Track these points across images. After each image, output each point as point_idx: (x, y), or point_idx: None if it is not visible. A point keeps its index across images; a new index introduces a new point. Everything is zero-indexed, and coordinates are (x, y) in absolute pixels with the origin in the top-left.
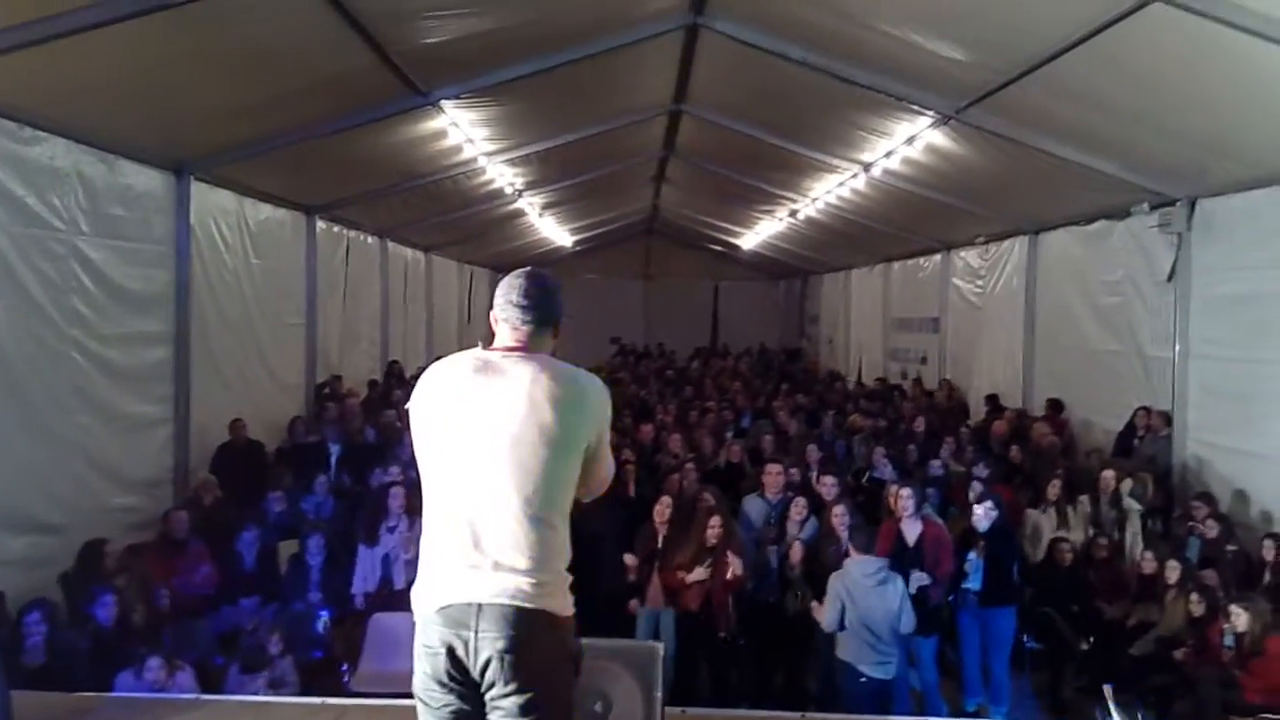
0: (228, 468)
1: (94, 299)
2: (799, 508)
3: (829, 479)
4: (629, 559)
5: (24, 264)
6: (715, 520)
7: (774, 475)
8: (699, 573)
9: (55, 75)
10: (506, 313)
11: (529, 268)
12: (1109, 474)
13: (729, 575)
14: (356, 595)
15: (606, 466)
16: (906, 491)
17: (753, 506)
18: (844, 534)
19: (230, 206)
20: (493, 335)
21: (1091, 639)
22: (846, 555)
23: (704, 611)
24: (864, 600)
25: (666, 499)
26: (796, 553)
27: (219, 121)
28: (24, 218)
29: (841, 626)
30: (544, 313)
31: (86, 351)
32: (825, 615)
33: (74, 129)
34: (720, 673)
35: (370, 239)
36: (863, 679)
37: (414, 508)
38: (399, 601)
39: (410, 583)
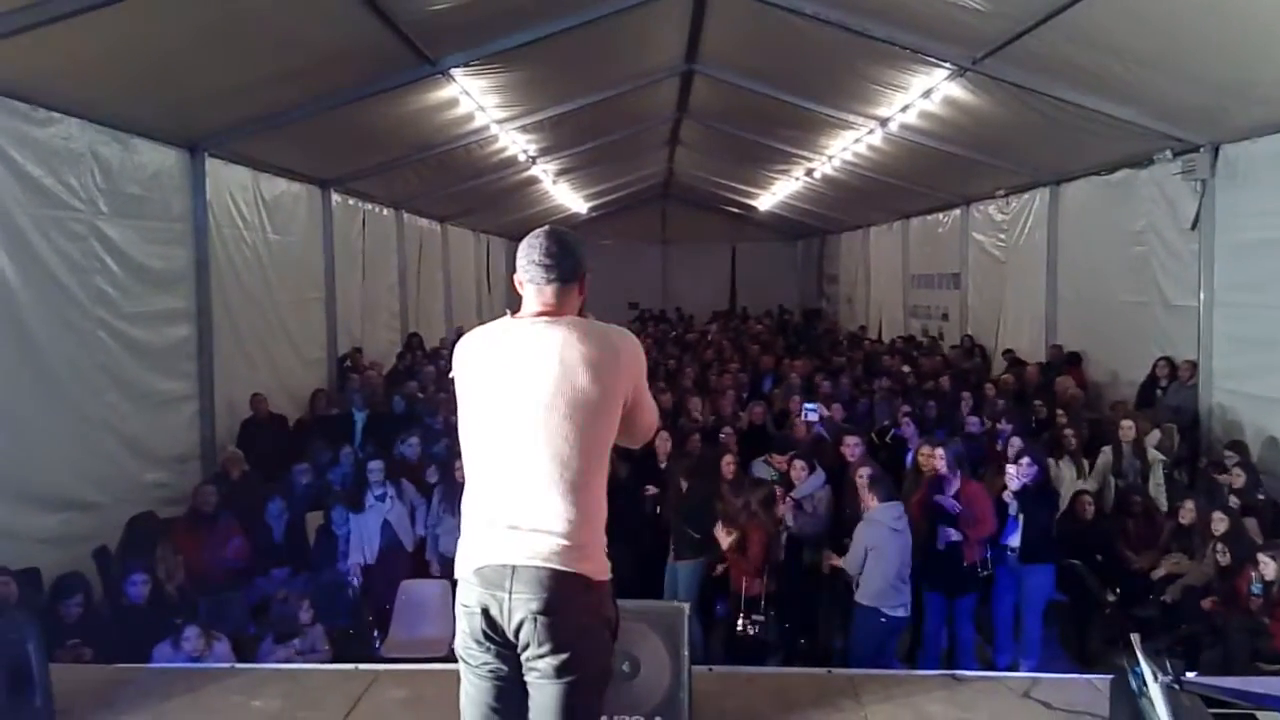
0: (253, 442)
1: (116, 278)
2: (797, 469)
3: (851, 439)
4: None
5: (46, 245)
6: (760, 492)
7: (779, 462)
8: (724, 537)
9: (66, 55)
10: (530, 272)
11: (548, 226)
12: (1128, 424)
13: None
14: (353, 565)
15: (649, 413)
16: (941, 451)
17: (759, 472)
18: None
19: (246, 182)
20: (519, 301)
21: (1118, 590)
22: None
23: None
24: (888, 544)
25: (689, 461)
26: (788, 508)
27: (232, 97)
28: (43, 199)
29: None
30: (567, 269)
31: (112, 330)
32: (849, 561)
33: (87, 109)
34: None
35: (386, 211)
36: (883, 619)
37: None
38: (420, 567)
39: (423, 541)
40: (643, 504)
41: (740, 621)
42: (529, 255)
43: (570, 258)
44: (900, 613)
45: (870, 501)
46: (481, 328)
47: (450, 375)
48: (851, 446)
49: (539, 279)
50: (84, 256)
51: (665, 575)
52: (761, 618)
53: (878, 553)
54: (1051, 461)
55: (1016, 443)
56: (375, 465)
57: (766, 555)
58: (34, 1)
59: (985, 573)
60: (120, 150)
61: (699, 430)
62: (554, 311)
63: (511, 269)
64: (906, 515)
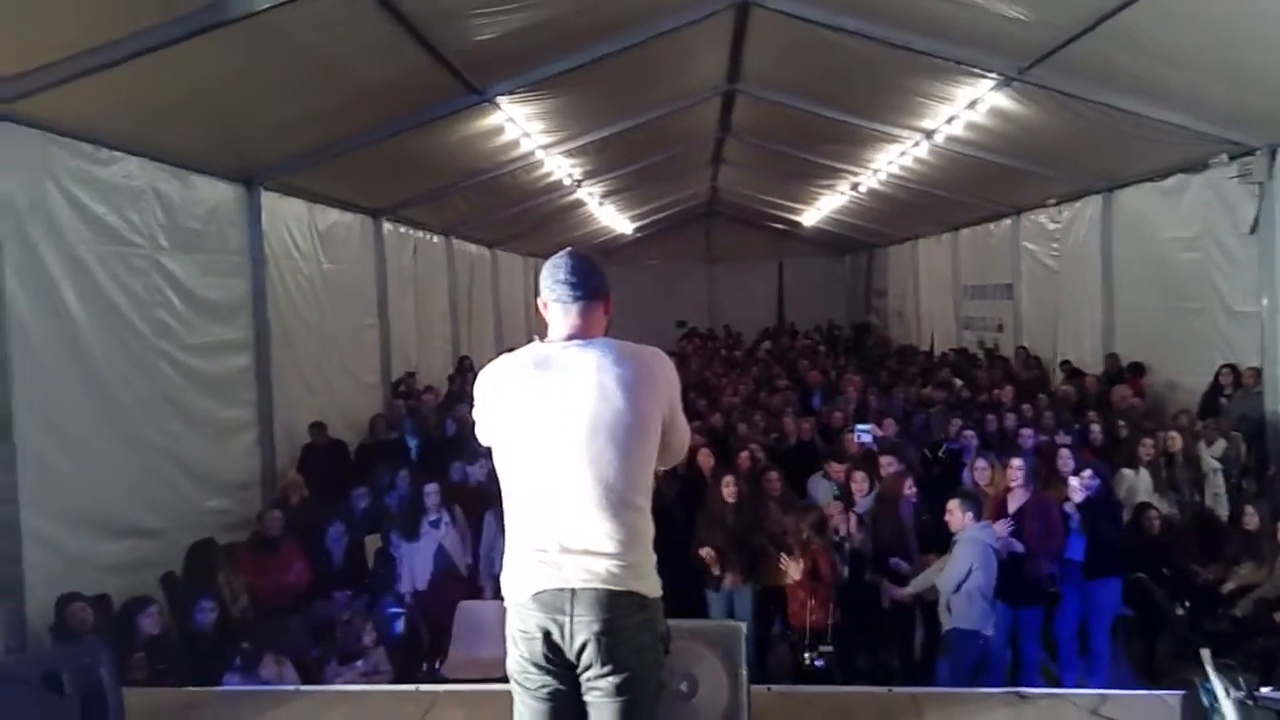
0: (313, 467)
1: (177, 311)
2: (859, 482)
3: (887, 458)
4: (706, 553)
5: (110, 280)
6: (810, 517)
7: (836, 472)
8: (793, 568)
9: (126, 97)
10: (556, 292)
11: (569, 248)
12: (1174, 434)
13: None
14: (405, 594)
15: (682, 434)
16: (1018, 462)
17: (818, 487)
18: (907, 511)
19: (300, 214)
20: (545, 326)
21: (1187, 604)
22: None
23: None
24: (989, 563)
25: (730, 477)
26: (852, 524)
27: (285, 132)
28: (107, 236)
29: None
30: (592, 287)
31: (173, 361)
32: (947, 579)
33: (147, 147)
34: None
35: (436, 238)
36: (981, 640)
37: (465, 499)
38: (473, 589)
39: (473, 567)
40: (689, 524)
41: (806, 656)
42: (554, 275)
43: (595, 276)
44: (992, 632)
45: (965, 520)
46: (510, 355)
47: (475, 405)
48: (887, 465)
49: (566, 298)
50: (146, 290)
51: (710, 600)
52: (830, 648)
53: (979, 573)
54: (1129, 472)
55: (1069, 455)
56: (431, 489)
57: (831, 586)
58: (95, 46)
59: (1053, 589)
60: (179, 186)
61: (749, 448)
62: (583, 333)
63: None
64: None
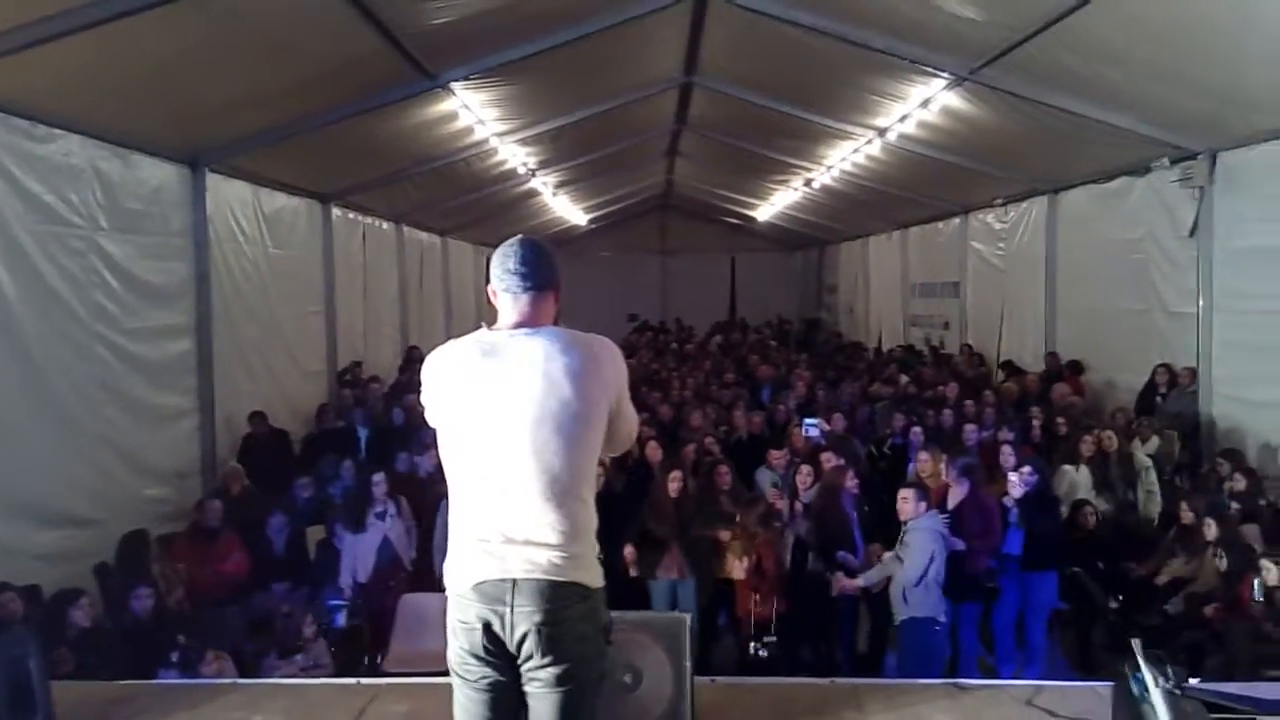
0: (254, 457)
1: (116, 293)
2: (804, 474)
3: (827, 454)
4: (628, 552)
5: (46, 261)
6: (756, 509)
7: (776, 459)
8: (738, 568)
9: (67, 72)
10: (505, 281)
11: (520, 235)
12: (1108, 434)
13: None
14: (345, 587)
15: (629, 423)
16: (924, 456)
17: (763, 478)
18: (848, 503)
19: (246, 197)
20: (495, 313)
21: (1120, 598)
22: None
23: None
24: (942, 552)
25: (677, 472)
26: (798, 510)
27: (232, 113)
28: (44, 215)
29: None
30: (543, 277)
31: (111, 345)
32: (909, 570)
33: (88, 125)
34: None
35: (386, 225)
36: (937, 627)
37: (412, 490)
38: (417, 582)
39: (416, 561)
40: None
41: (752, 646)
42: (504, 264)
43: (546, 266)
44: (944, 620)
45: (918, 509)
46: (455, 342)
47: (420, 392)
48: (829, 461)
49: (515, 287)
50: (84, 272)
51: (653, 591)
52: (774, 638)
53: (937, 561)
54: (1070, 469)
55: (1010, 451)
56: (379, 479)
57: (777, 577)
58: (35, 19)
59: (991, 584)
60: (121, 166)
61: (699, 441)
62: (531, 321)
63: None
64: None
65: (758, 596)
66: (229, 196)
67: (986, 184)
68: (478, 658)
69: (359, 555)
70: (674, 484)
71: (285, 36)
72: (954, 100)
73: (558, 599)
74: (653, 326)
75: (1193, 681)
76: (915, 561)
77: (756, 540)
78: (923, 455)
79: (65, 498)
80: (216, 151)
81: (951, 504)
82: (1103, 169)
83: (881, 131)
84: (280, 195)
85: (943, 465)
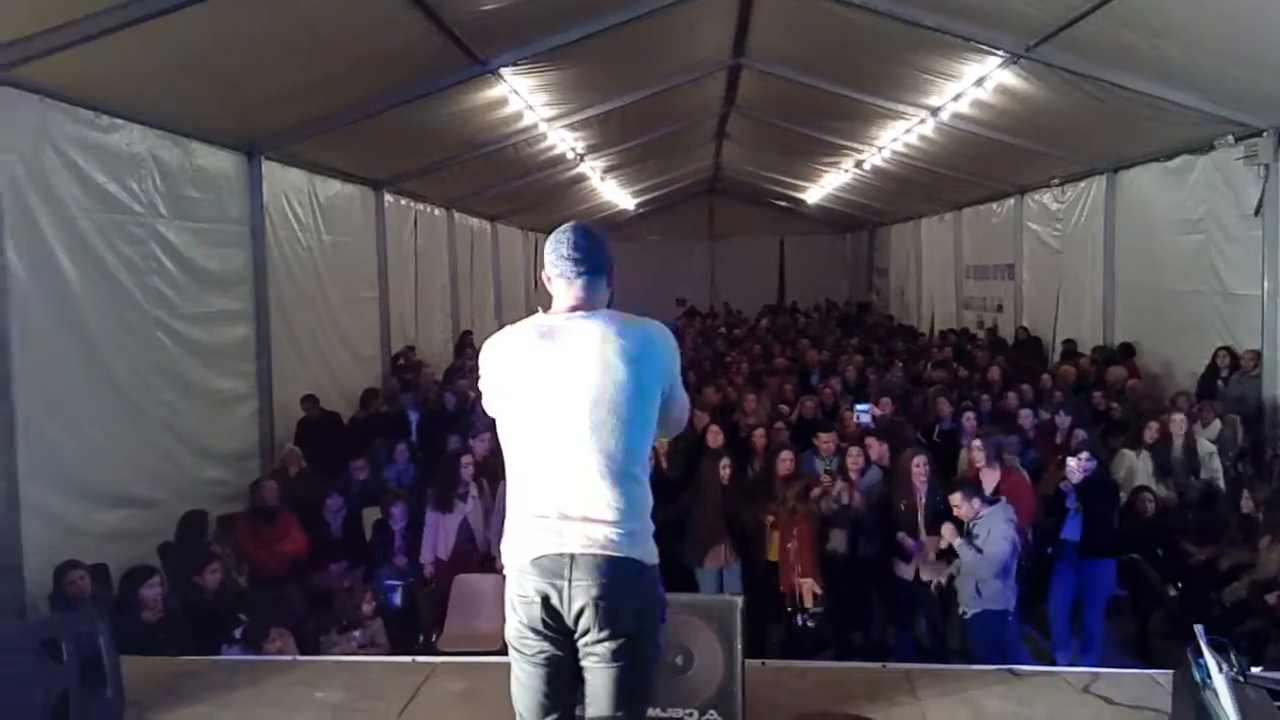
0: (310, 440)
1: (175, 280)
2: (854, 457)
3: (870, 440)
4: None
5: (107, 248)
6: (796, 486)
7: (824, 442)
8: (781, 547)
9: (128, 63)
10: (559, 266)
11: (573, 221)
12: (1179, 417)
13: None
14: (426, 564)
15: (681, 407)
16: (978, 443)
17: (810, 464)
18: (921, 488)
19: (301, 184)
20: (549, 298)
21: (1180, 585)
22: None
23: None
24: (1018, 542)
25: (726, 459)
26: (856, 498)
27: (287, 101)
28: (105, 203)
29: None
30: (596, 261)
31: (170, 331)
32: (990, 561)
33: (148, 115)
34: (791, 622)
35: (437, 211)
36: (1010, 618)
37: (488, 473)
38: (488, 563)
39: (490, 545)
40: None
41: (799, 619)
42: (557, 250)
43: (598, 250)
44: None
45: (975, 506)
46: (512, 327)
47: (479, 378)
48: (874, 446)
49: (569, 273)
50: (143, 259)
51: (700, 577)
52: (820, 609)
53: (1015, 552)
54: (1130, 453)
55: (1078, 435)
56: (466, 461)
57: (815, 552)
58: (98, 10)
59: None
60: (179, 154)
61: (759, 426)
62: (586, 305)
63: None
64: None
65: (800, 567)
66: (284, 184)
67: (1043, 164)
68: (536, 631)
69: (440, 535)
70: (725, 471)
71: (338, 26)
72: (1009, 78)
73: (614, 573)
74: (701, 312)
75: (1256, 670)
76: (996, 550)
77: (796, 515)
78: (976, 443)
79: (128, 479)
80: (272, 140)
81: (988, 489)
82: (1164, 147)
83: (934, 111)
84: (334, 182)
85: (976, 447)
